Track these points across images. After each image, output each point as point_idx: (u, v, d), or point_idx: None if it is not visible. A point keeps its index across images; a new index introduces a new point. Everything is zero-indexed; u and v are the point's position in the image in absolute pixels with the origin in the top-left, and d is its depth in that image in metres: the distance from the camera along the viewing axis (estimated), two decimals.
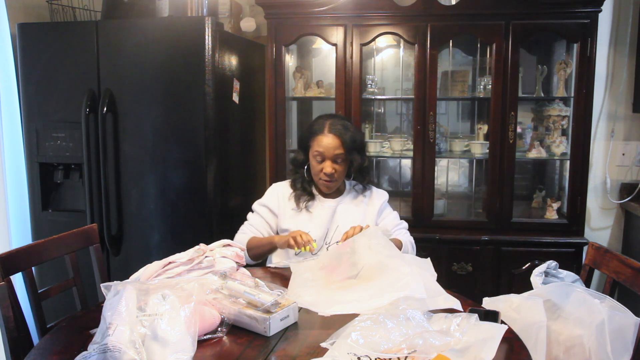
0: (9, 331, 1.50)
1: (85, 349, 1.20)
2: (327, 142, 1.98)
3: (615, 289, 1.64)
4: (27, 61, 2.57)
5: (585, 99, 2.57)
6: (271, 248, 1.99)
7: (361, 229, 1.81)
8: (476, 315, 1.32)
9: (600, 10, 2.51)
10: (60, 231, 1.81)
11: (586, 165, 2.62)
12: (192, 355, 1.23)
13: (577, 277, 1.70)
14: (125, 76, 2.49)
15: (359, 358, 1.18)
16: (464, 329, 1.27)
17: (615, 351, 1.39)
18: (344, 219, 2.01)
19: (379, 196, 2.11)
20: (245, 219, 2.13)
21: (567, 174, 2.69)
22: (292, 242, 1.82)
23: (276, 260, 2.05)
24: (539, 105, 2.84)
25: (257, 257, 2.03)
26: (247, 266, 1.73)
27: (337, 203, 2.06)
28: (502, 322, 1.42)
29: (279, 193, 2.11)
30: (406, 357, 1.17)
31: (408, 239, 2.06)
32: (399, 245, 1.95)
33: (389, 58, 3.05)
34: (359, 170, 2.07)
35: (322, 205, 2.05)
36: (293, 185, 2.10)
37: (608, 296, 1.53)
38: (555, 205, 2.70)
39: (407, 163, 3.04)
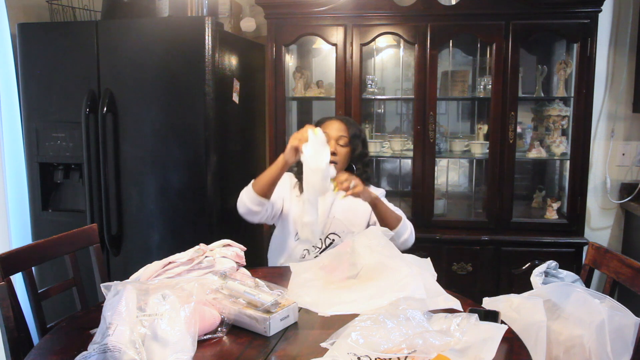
0: (9, 331, 1.50)
1: (85, 349, 1.19)
2: (332, 124, 2.07)
3: (615, 289, 1.64)
4: (27, 61, 2.57)
5: (585, 99, 2.57)
6: (278, 170, 1.87)
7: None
8: (476, 315, 1.32)
9: (600, 10, 2.51)
10: (60, 231, 1.81)
11: (586, 165, 2.62)
12: (192, 355, 1.22)
13: (577, 277, 1.70)
14: (125, 76, 2.49)
15: (359, 358, 1.18)
16: (464, 329, 1.27)
17: (615, 351, 1.39)
18: (340, 210, 2.05)
19: (376, 190, 2.13)
20: (245, 219, 2.13)
21: (567, 174, 2.69)
22: (296, 143, 1.77)
23: (281, 260, 2.06)
24: (539, 105, 2.84)
25: (264, 187, 1.91)
26: (247, 266, 1.73)
27: (335, 195, 2.06)
28: (502, 322, 1.42)
29: (287, 179, 2.12)
30: (406, 357, 1.17)
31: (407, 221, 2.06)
32: (398, 219, 1.96)
33: (389, 58, 3.05)
34: (360, 159, 2.09)
35: (322, 196, 2.05)
36: (297, 175, 2.12)
37: (608, 296, 1.53)
38: (555, 205, 2.70)
39: (407, 163, 3.04)
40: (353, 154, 2.08)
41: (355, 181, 1.86)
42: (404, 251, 1.72)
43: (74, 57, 2.53)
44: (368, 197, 1.91)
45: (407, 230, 2.00)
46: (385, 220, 1.95)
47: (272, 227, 2.23)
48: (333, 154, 2.00)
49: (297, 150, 1.78)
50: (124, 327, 1.20)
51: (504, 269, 2.62)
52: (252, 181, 1.95)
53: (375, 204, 1.93)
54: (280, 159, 1.85)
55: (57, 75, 2.55)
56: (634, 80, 2.83)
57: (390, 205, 2.10)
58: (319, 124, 2.11)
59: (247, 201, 1.93)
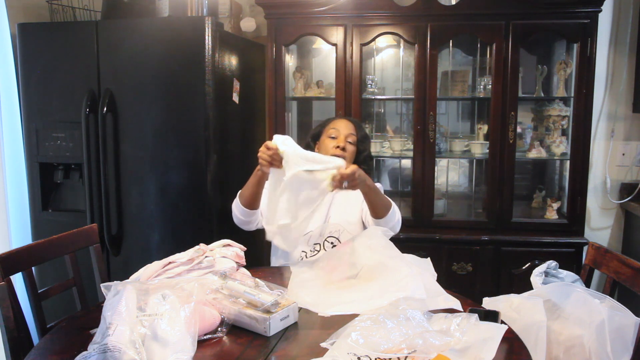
0: (9, 331, 1.50)
1: (85, 349, 1.20)
2: (343, 123, 2.13)
3: (615, 289, 1.64)
4: (27, 61, 2.57)
5: (585, 99, 2.57)
6: (257, 181, 1.86)
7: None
8: (476, 315, 1.32)
9: (600, 10, 2.51)
10: (60, 231, 1.81)
11: (586, 165, 2.62)
12: (192, 355, 1.22)
13: (577, 277, 1.70)
14: (125, 76, 2.49)
15: (359, 358, 1.18)
16: (464, 329, 1.27)
17: (615, 351, 1.39)
18: (338, 211, 2.05)
19: None
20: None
21: (567, 174, 2.69)
22: (263, 163, 1.73)
23: (279, 262, 2.06)
24: (539, 105, 2.84)
25: (248, 199, 1.91)
26: (247, 266, 1.73)
27: (332, 195, 2.09)
28: (502, 322, 1.42)
29: None
30: (406, 357, 1.17)
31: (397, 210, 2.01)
32: (387, 207, 1.90)
33: (389, 58, 3.05)
34: (365, 162, 2.12)
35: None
36: None
37: (608, 296, 1.53)
38: (555, 205, 2.70)
39: (407, 163, 3.03)
40: (360, 155, 2.13)
41: (348, 177, 1.71)
42: (403, 251, 1.72)
43: (74, 57, 2.53)
44: (362, 187, 1.80)
45: (394, 218, 1.96)
46: (375, 210, 1.90)
47: None
48: (342, 149, 2.05)
49: (271, 163, 1.72)
50: (124, 327, 1.20)
51: (504, 269, 2.62)
52: (239, 193, 1.97)
53: (366, 192, 1.85)
54: (257, 171, 1.83)
55: (57, 75, 2.55)
56: (634, 80, 2.83)
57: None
58: (328, 122, 2.17)
59: (237, 213, 1.98)
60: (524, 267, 2.59)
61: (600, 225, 3.00)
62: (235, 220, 2.01)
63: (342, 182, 1.70)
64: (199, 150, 2.46)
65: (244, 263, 1.70)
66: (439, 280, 1.67)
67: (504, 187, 2.65)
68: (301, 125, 3.11)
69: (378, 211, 1.90)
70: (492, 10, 2.57)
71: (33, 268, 1.66)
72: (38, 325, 1.63)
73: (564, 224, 2.66)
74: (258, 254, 2.69)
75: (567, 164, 2.68)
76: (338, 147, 2.05)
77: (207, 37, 2.39)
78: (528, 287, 1.68)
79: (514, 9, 2.54)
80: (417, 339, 1.19)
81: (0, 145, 2.59)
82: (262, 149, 1.73)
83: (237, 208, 1.97)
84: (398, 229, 2.00)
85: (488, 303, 1.60)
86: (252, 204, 1.94)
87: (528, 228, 2.67)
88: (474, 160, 2.96)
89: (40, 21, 2.86)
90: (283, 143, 1.70)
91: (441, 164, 2.98)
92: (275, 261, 2.11)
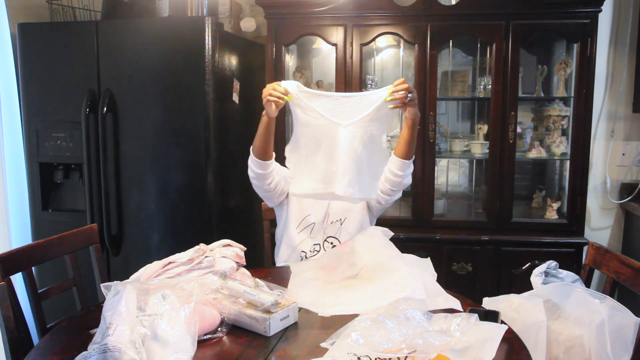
0: (9, 331, 1.50)
1: (85, 349, 1.20)
2: None
3: (615, 289, 1.64)
4: (27, 61, 2.57)
5: (585, 99, 2.57)
6: (265, 128, 1.89)
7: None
8: (476, 315, 1.32)
9: (600, 10, 2.51)
10: (60, 231, 1.81)
11: (586, 165, 2.62)
12: (192, 355, 1.23)
13: (577, 277, 1.70)
14: (125, 76, 2.49)
15: (359, 358, 1.18)
16: (464, 329, 1.27)
17: (615, 351, 1.39)
18: (336, 205, 2.04)
19: None
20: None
21: (567, 174, 2.69)
22: (270, 102, 1.80)
23: (283, 250, 2.06)
24: (539, 105, 2.84)
25: (260, 149, 1.93)
26: (247, 266, 1.73)
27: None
28: (502, 322, 1.42)
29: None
30: (406, 357, 1.17)
31: None
32: (414, 152, 1.95)
33: (389, 58, 3.05)
34: None
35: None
36: None
37: (608, 296, 1.53)
38: (555, 205, 2.70)
39: None
40: None
41: (412, 94, 1.79)
42: (403, 251, 1.72)
43: (74, 57, 2.53)
44: (414, 114, 1.87)
45: (412, 166, 1.99)
46: (410, 146, 1.93)
47: (273, 226, 2.23)
48: None
49: (276, 105, 1.80)
50: (124, 327, 1.20)
51: (504, 269, 2.62)
52: (251, 147, 1.96)
53: (413, 126, 1.90)
54: (264, 117, 1.87)
55: (57, 75, 2.55)
56: (634, 80, 2.83)
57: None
58: None
59: (254, 167, 1.95)
60: (524, 267, 2.59)
61: (600, 225, 3.00)
62: (251, 175, 1.98)
63: (400, 95, 1.77)
64: (199, 150, 2.46)
65: (244, 263, 1.70)
66: (439, 280, 1.67)
67: (504, 187, 2.65)
68: None
69: (410, 150, 1.93)
70: (492, 10, 2.57)
71: (33, 268, 1.66)
72: (38, 325, 1.63)
73: (564, 224, 2.66)
74: (258, 254, 2.69)
75: (567, 164, 2.68)
76: None
77: (207, 37, 2.39)
78: (528, 287, 1.68)
79: (514, 9, 2.54)
80: (417, 339, 1.19)
81: (0, 145, 2.59)
82: (270, 89, 1.79)
83: (252, 161, 1.96)
84: (410, 181, 2.02)
85: (488, 303, 1.60)
86: (265, 153, 1.93)
87: (528, 228, 2.67)
88: (474, 160, 2.96)
89: (40, 21, 2.86)
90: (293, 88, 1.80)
91: (441, 164, 2.98)
92: (278, 262, 2.11)
